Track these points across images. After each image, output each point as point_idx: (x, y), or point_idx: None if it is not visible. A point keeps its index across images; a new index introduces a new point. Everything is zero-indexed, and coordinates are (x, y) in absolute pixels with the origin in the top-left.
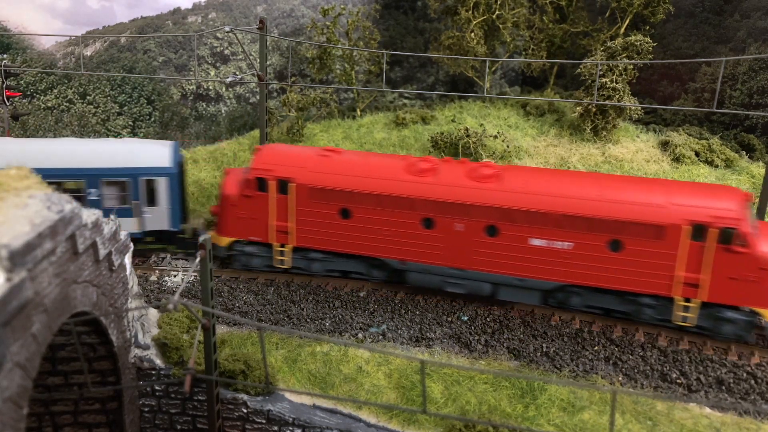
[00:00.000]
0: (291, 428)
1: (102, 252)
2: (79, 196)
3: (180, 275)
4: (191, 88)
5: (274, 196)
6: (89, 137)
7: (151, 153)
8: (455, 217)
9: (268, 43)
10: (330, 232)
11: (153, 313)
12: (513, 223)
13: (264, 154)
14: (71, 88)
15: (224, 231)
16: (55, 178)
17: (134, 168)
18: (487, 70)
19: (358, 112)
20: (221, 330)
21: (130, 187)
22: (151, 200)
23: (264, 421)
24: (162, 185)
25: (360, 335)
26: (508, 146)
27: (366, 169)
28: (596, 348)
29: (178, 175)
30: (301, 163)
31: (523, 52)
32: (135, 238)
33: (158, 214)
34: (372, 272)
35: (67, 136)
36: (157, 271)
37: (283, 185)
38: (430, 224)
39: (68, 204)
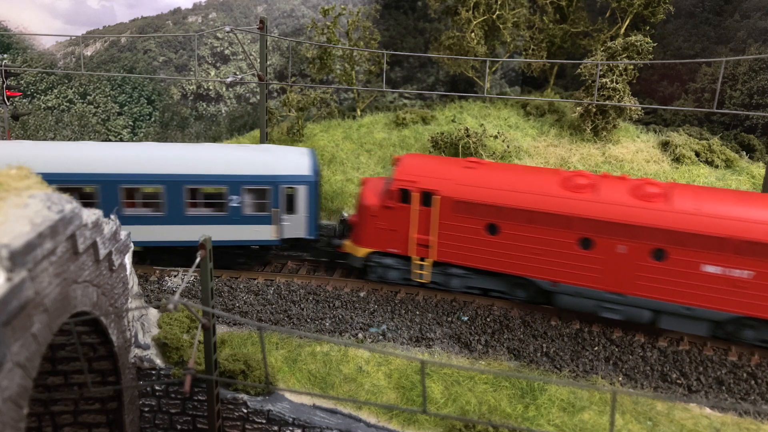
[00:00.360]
0: (291, 428)
1: (102, 252)
2: (221, 202)
3: (180, 275)
4: (191, 88)
5: (416, 208)
6: (89, 137)
7: (292, 161)
8: (618, 239)
9: (268, 43)
10: (474, 247)
11: (153, 313)
12: (684, 248)
13: (407, 165)
14: (71, 88)
15: (362, 241)
16: (197, 183)
17: (276, 175)
18: (487, 70)
19: (358, 112)
20: (221, 330)
21: (270, 195)
22: (290, 208)
23: (264, 421)
24: (301, 193)
25: (360, 335)
26: (508, 146)
27: (516, 182)
28: (596, 348)
29: (316, 183)
30: (446, 174)
31: (523, 53)
32: (271, 246)
33: (296, 222)
34: (515, 292)
35: (67, 136)
36: (157, 271)
37: (426, 197)
38: (588, 244)
39: (68, 204)
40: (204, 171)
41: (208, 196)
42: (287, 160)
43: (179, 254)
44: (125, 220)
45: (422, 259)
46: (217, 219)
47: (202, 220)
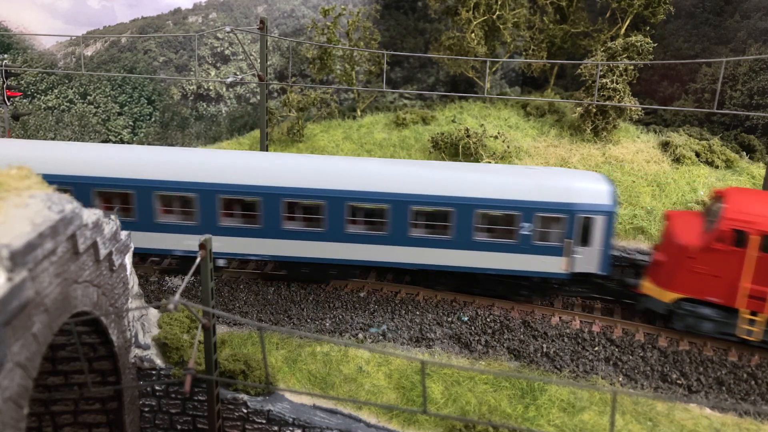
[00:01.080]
0: (291, 428)
1: (102, 252)
2: (510, 229)
3: (180, 275)
4: (192, 88)
5: (753, 254)
6: (89, 137)
7: (590, 188)
8: None
9: (268, 43)
10: None
11: (153, 313)
12: None
13: (740, 202)
14: (72, 88)
15: (671, 285)
16: (490, 208)
17: (573, 203)
18: (488, 70)
19: (359, 113)
20: (221, 330)
21: (565, 224)
22: (584, 240)
23: (264, 422)
24: (599, 224)
25: (360, 335)
26: (508, 147)
27: None
28: (596, 348)
29: (615, 214)
30: None
31: (524, 53)
32: (553, 279)
33: (589, 256)
34: None
35: (68, 136)
36: (157, 272)
37: None
38: None
39: (69, 204)
40: (497, 195)
41: (495, 221)
42: (585, 187)
43: (458, 278)
44: (412, 242)
45: (754, 314)
46: (505, 246)
47: (489, 247)
